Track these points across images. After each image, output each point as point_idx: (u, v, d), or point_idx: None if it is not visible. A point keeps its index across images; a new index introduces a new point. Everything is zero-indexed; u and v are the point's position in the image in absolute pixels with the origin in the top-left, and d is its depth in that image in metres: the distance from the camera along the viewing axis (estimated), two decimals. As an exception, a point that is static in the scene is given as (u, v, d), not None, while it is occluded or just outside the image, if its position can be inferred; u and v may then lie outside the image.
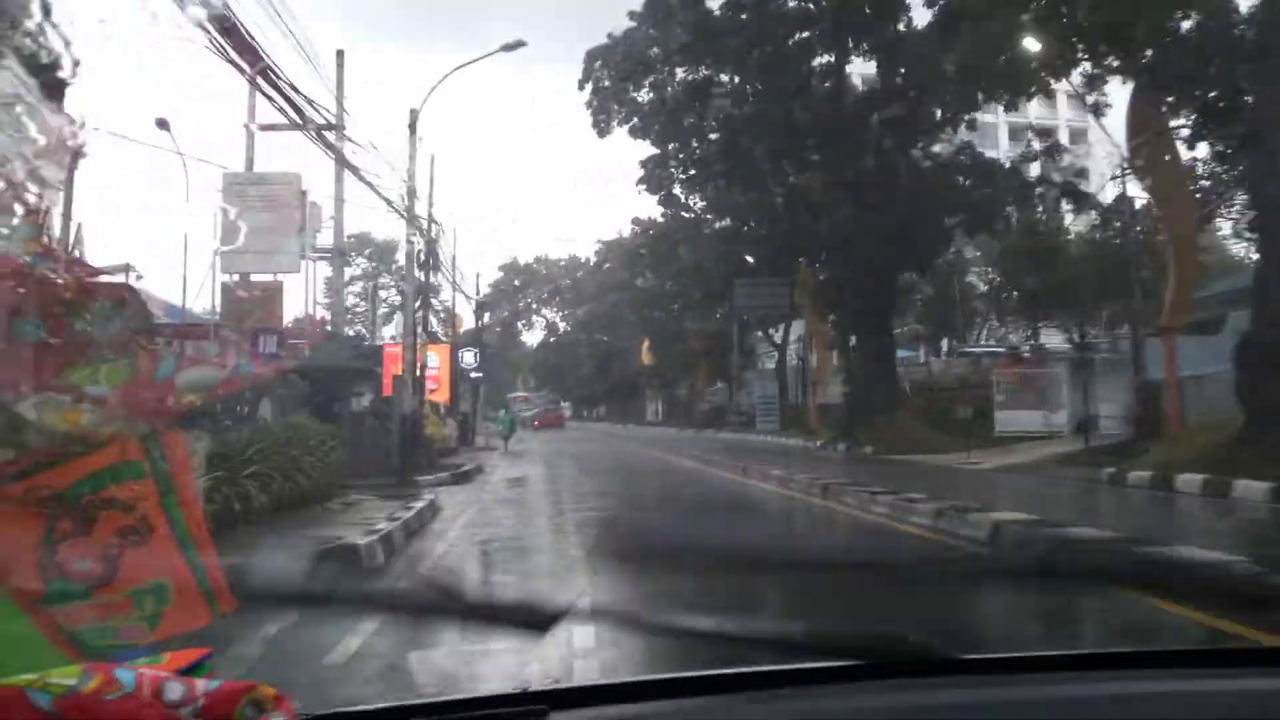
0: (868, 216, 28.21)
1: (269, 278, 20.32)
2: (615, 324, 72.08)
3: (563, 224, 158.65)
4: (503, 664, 3.99)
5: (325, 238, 23.16)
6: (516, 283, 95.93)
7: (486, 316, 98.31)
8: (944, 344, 34.31)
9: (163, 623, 2.02)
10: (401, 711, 1.43)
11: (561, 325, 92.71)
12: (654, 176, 35.78)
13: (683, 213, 38.71)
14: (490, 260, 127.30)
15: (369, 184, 17.16)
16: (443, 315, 37.17)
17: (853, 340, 32.70)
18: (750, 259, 36.70)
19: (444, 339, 37.30)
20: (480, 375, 36.21)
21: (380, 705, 1.45)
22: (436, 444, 23.31)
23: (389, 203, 17.83)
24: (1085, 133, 35.84)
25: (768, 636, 1.59)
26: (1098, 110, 18.96)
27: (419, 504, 11.98)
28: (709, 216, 39.60)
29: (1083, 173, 27.89)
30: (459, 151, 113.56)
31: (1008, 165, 29.38)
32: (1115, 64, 17.39)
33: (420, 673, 4.23)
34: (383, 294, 68.71)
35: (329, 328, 25.06)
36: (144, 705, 1.04)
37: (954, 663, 1.58)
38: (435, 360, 31.64)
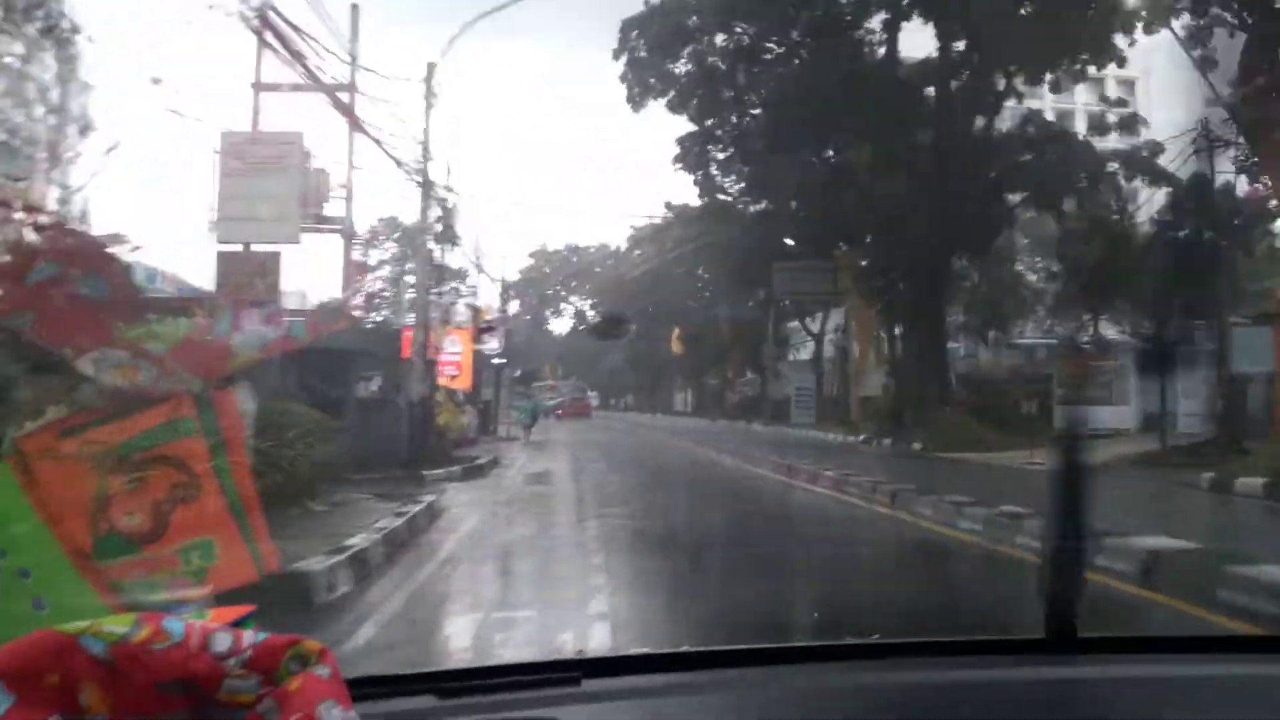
0: (921, 194, 26.07)
1: (271, 248, 18.45)
2: (644, 314, 70.24)
3: (595, 210, 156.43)
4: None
5: (339, 209, 21.30)
6: (546, 269, 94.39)
7: (515, 304, 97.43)
8: (990, 335, 32.01)
9: (209, 578, 2.14)
10: (435, 676, 1.47)
11: (590, 314, 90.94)
12: (691, 154, 33.72)
13: (719, 194, 36.58)
14: (520, 248, 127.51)
15: (376, 140, 15.32)
16: (467, 299, 35.46)
17: (899, 329, 30.60)
18: (790, 241, 34.57)
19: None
20: (504, 361, 33.98)
21: (414, 671, 1.52)
22: (452, 434, 21.49)
23: (399, 163, 15.99)
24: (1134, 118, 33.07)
25: None
26: (1207, 64, 16.66)
27: (416, 507, 10.19)
28: (746, 200, 37.50)
29: (1159, 149, 25.46)
30: (485, 133, 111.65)
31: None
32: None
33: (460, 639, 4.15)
34: (411, 279, 67.17)
35: (336, 307, 23.31)
36: (191, 655, 1.05)
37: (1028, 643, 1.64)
38: (456, 346, 29.94)
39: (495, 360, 31.88)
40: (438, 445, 18.61)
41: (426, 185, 17.38)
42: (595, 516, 11.12)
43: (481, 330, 33.32)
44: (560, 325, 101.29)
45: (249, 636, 1.08)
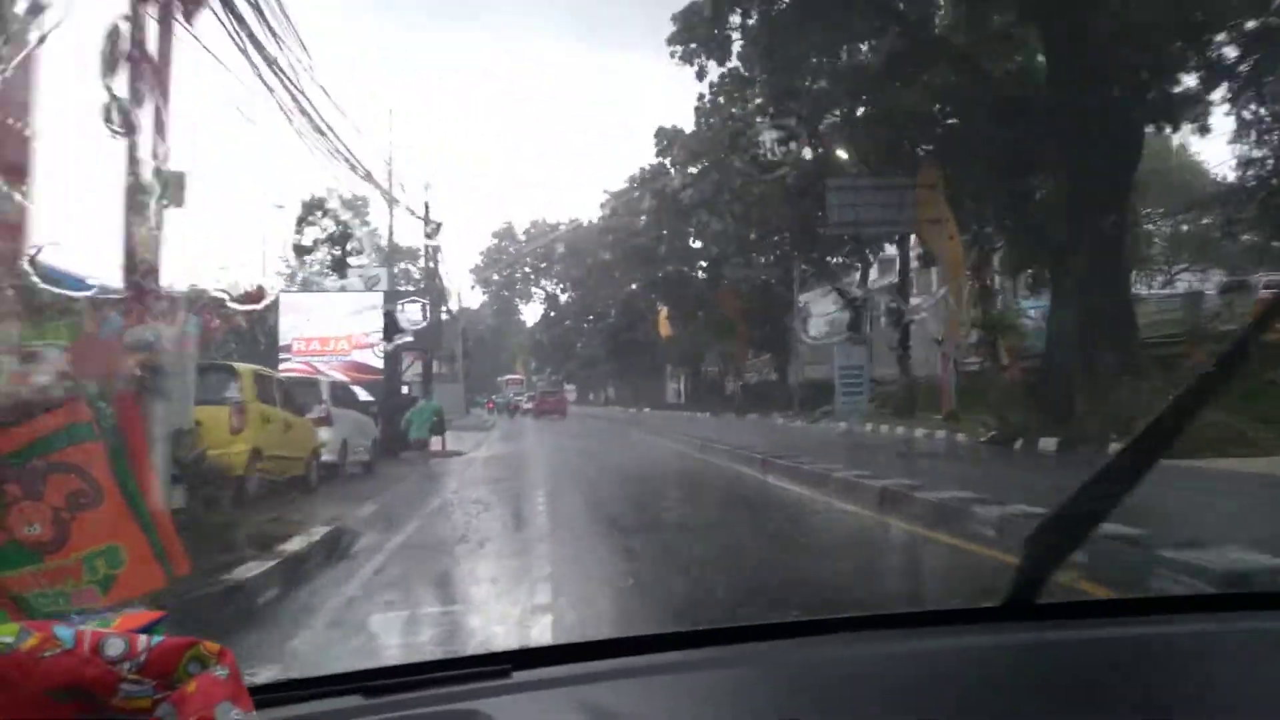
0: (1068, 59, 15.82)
1: None
2: (624, 293, 59.84)
3: (564, 184, 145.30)
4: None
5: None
6: (513, 250, 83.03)
7: (478, 291, 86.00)
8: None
9: (116, 586, 2.22)
10: (367, 674, 1.43)
11: (563, 297, 79.43)
12: (697, 31, 23.10)
13: (734, 96, 26.16)
14: (484, 228, 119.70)
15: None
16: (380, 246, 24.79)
17: (1026, 276, 20.30)
18: (844, 154, 24.09)
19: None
20: (415, 342, 21.81)
21: (346, 670, 1.46)
22: (266, 471, 10.62)
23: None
24: None
25: None
26: None
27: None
28: (768, 114, 26.79)
29: None
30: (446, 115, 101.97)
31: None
32: None
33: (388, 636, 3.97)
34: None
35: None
36: (83, 661, 1.02)
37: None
38: (334, 307, 19.30)
39: (404, 342, 20.60)
40: (203, 503, 7.93)
41: None
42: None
43: (396, 297, 22.55)
44: (533, 313, 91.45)
45: (144, 641, 1.05)
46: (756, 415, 36.18)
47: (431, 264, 23.85)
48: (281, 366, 20.42)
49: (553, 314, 79.82)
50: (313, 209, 23.59)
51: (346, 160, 14.92)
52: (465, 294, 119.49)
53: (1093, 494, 1.57)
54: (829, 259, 34.09)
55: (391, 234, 23.95)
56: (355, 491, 12.73)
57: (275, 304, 21.08)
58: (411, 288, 29.35)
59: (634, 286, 58.14)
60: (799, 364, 36.48)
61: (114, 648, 1.03)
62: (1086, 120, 16.80)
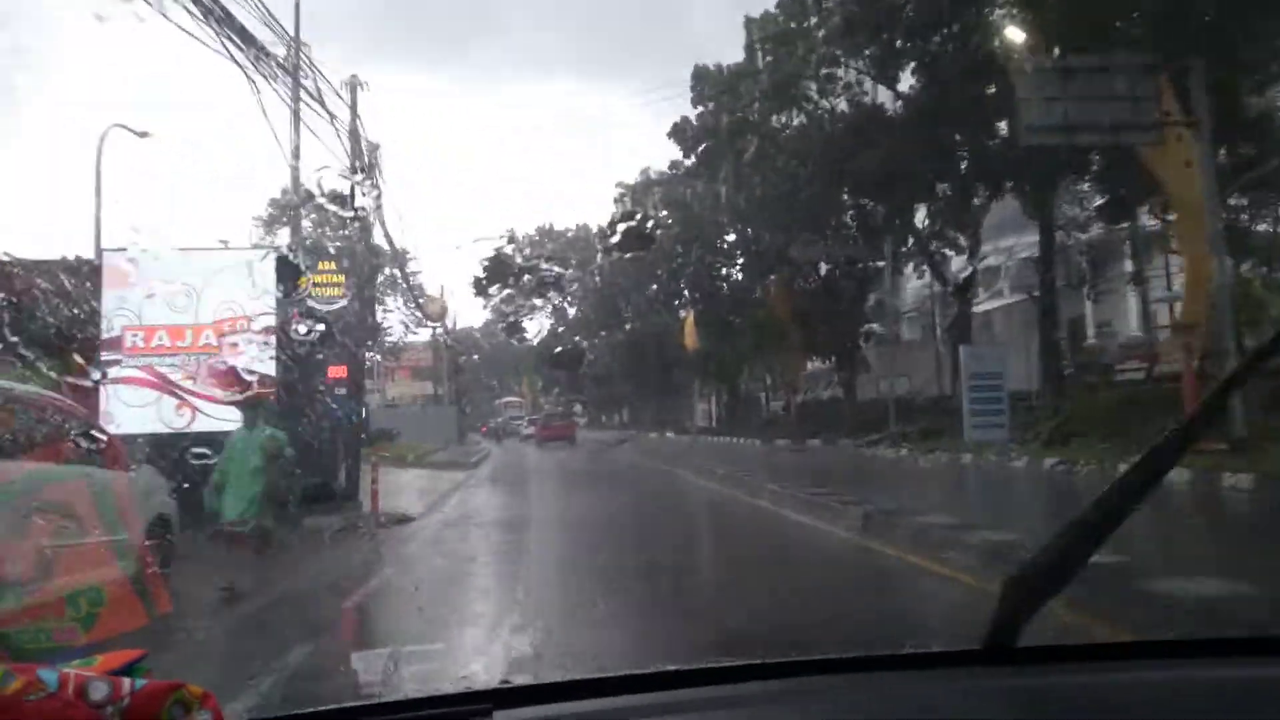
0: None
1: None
2: (643, 299, 51.42)
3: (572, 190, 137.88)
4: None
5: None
6: (519, 259, 73.86)
7: (481, 305, 77.24)
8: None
9: (98, 624, 2.16)
10: (349, 713, 1.45)
11: (571, 311, 70.30)
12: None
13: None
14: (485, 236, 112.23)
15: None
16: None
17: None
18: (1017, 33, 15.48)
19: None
20: (311, 350, 12.09)
21: (328, 707, 1.45)
22: None
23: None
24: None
25: None
26: None
27: None
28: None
29: None
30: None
31: None
32: None
33: (367, 674, 3.80)
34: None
35: None
36: (67, 705, 1.02)
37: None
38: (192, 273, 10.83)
39: (301, 350, 11.48)
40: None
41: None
42: None
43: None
44: (537, 328, 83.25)
45: (128, 684, 1.04)
46: (819, 441, 27.68)
47: (364, 207, 15.02)
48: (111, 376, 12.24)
49: (561, 329, 70.47)
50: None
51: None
52: (465, 311, 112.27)
53: (1081, 532, 1.52)
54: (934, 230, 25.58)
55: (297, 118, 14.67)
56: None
57: (87, 270, 12.83)
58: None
59: (654, 291, 49.80)
60: (887, 369, 28.08)
61: (98, 691, 1.02)
62: None
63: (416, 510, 12.98)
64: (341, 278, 13.74)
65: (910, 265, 28.75)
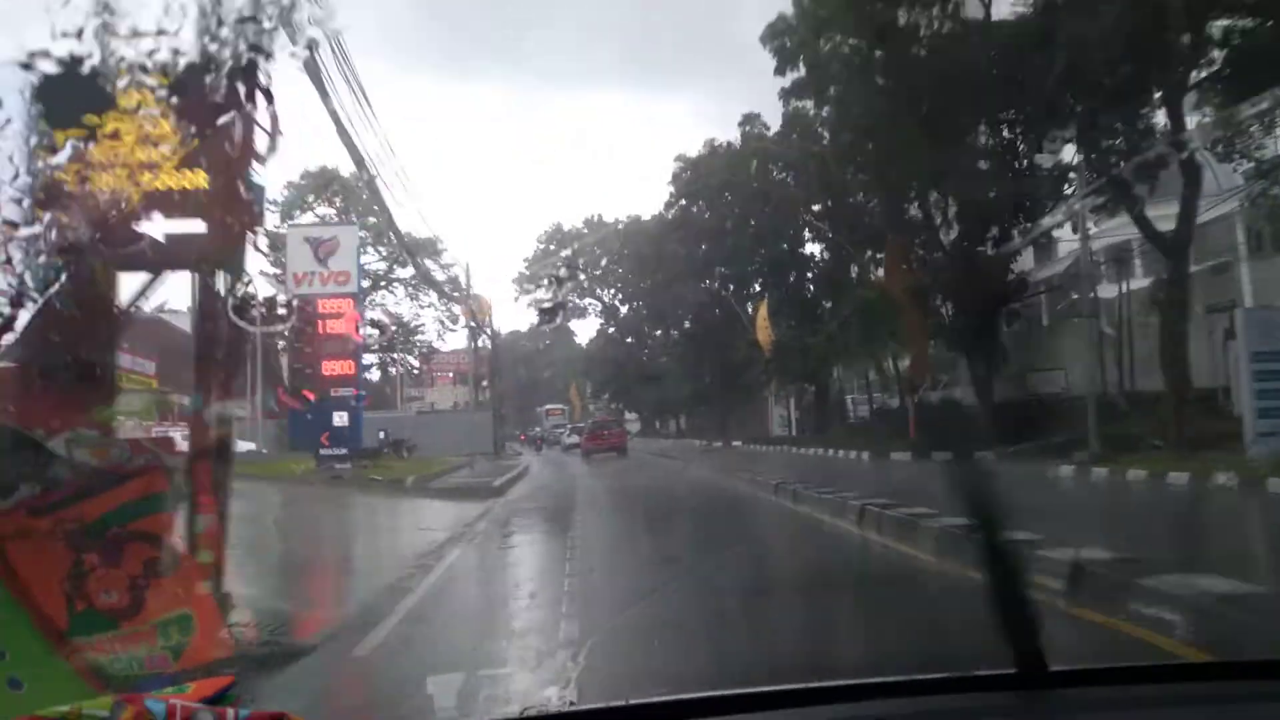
0: None
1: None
2: (700, 291, 44.26)
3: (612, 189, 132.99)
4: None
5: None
6: (566, 252, 67.01)
7: (527, 306, 70.28)
8: None
9: (187, 652, 2.20)
10: None
11: (623, 309, 63.25)
12: None
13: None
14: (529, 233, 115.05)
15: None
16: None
17: None
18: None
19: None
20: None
21: None
22: None
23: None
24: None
25: None
26: None
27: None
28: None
29: None
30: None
31: None
32: None
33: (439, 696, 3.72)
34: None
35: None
36: None
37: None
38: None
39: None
40: None
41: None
42: None
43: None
44: (585, 329, 77.11)
45: (232, 714, 1.02)
46: (949, 454, 20.26)
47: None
48: None
49: (611, 329, 65.81)
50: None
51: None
52: (509, 312, 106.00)
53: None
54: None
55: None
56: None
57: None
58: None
59: (713, 282, 42.73)
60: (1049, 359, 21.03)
61: None
62: None
63: (318, 630, 5.99)
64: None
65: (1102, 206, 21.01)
